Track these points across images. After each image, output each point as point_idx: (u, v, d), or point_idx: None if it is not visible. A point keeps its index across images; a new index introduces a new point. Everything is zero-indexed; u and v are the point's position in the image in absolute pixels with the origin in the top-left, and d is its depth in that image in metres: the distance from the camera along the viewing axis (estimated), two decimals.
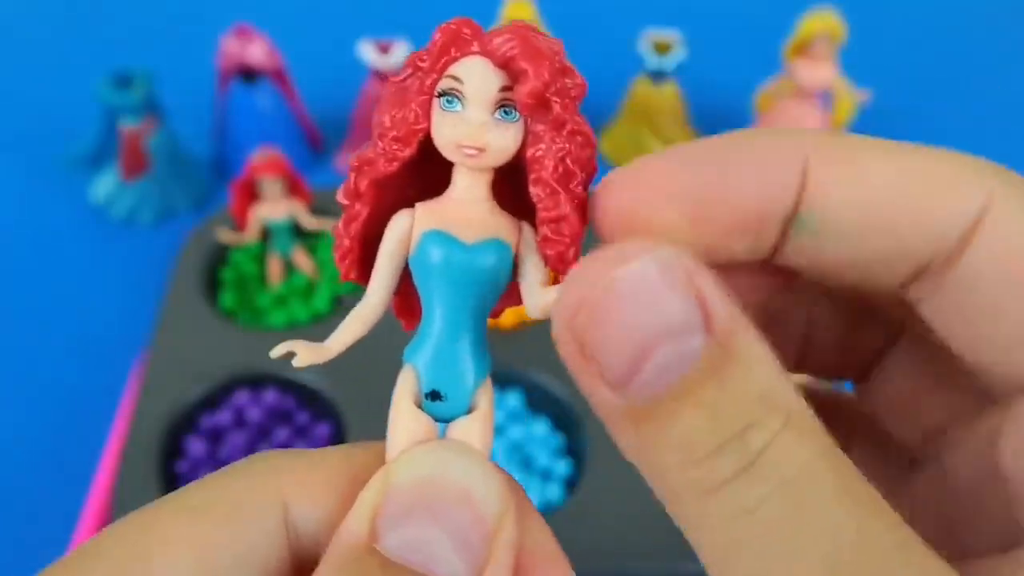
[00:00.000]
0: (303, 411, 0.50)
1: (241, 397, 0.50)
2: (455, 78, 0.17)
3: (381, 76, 0.65)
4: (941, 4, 0.96)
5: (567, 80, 0.17)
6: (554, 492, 0.46)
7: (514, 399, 0.50)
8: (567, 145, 0.17)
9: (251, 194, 0.57)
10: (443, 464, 0.16)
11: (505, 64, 0.17)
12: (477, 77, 0.17)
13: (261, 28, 0.65)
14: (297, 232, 0.59)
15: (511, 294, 0.19)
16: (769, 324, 0.20)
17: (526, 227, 0.18)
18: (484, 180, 0.18)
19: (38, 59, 0.83)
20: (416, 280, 0.18)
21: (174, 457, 0.48)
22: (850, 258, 0.17)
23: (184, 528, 0.15)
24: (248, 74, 0.65)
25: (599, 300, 0.15)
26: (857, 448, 0.21)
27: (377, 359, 0.51)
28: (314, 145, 0.72)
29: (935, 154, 0.17)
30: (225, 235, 0.58)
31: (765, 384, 0.14)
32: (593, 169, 0.18)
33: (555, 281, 0.18)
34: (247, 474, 0.16)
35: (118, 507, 0.44)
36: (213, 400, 0.50)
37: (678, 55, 0.66)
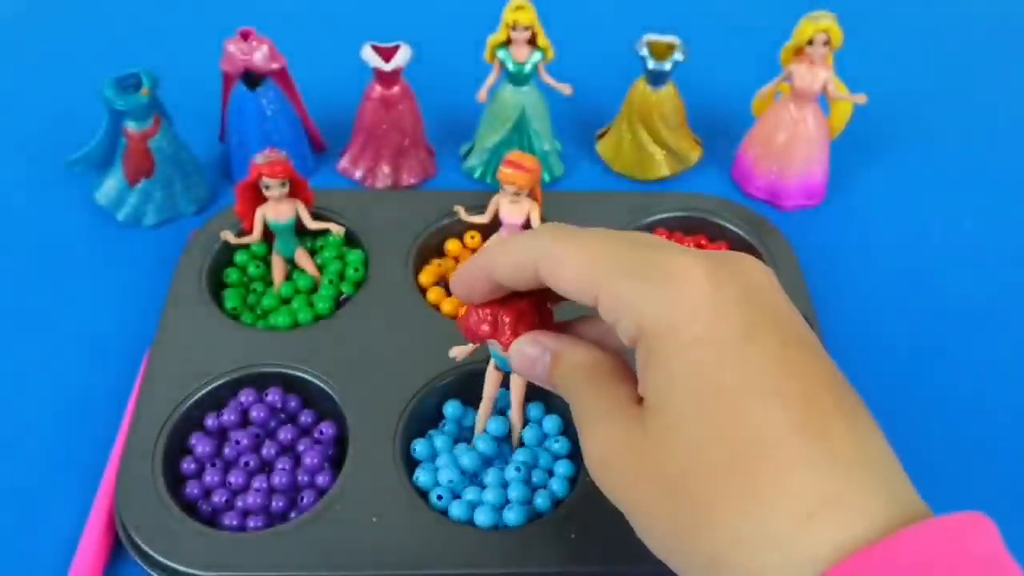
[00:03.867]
0: (308, 410, 0.51)
1: (245, 397, 0.50)
2: None
3: (383, 79, 0.65)
4: (939, 6, 0.96)
5: None
6: (559, 488, 0.46)
7: (536, 409, 0.50)
8: None
9: (255, 196, 0.57)
10: None
11: None
12: None
13: (265, 32, 0.66)
14: (301, 233, 0.59)
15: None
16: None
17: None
18: None
19: (43, 62, 0.84)
20: None
21: (179, 456, 0.49)
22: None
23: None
24: (252, 77, 0.66)
25: None
26: None
27: (379, 359, 0.52)
28: (317, 148, 0.73)
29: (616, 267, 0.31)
30: (229, 236, 0.59)
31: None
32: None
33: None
34: None
35: (123, 507, 0.45)
36: (218, 400, 0.51)
37: (676, 58, 0.67)
